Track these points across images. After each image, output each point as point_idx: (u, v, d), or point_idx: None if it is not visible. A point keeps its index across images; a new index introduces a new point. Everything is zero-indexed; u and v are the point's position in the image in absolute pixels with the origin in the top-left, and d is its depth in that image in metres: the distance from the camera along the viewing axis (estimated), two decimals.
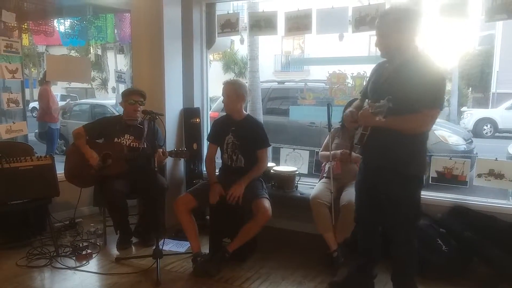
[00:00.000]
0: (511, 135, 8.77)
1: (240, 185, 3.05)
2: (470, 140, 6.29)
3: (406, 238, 2.35)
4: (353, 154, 3.03)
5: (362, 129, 2.31)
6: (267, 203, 2.99)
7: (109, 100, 10.70)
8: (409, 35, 2.20)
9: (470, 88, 19.44)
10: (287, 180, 3.65)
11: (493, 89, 15.78)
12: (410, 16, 2.20)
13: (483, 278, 2.88)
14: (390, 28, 2.20)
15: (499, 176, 3.18)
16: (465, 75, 17.94)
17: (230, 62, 18.86)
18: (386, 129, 2.17)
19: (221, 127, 3.31)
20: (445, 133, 6.02)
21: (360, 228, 2.67)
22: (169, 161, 3.81)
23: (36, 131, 7.05)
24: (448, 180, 3.38)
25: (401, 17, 2.19)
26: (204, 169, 3.95)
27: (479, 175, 3.24)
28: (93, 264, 3.20)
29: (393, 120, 2.12)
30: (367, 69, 3.65)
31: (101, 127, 3.56)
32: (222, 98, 3.34)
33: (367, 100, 2.38)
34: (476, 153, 5.89)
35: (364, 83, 3.36)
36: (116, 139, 3.46)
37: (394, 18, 2.20)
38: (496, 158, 3.27)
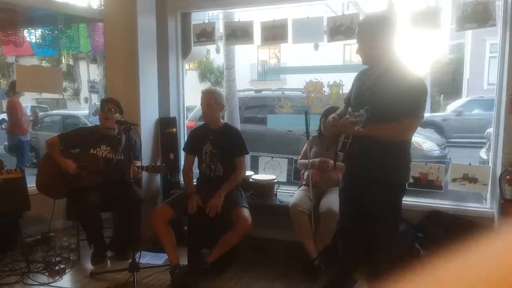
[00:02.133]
0: (482, 140, 9.02)
1: (219, 196, 3.01)
2: (443, 146, 6.43)
3: (386, 243, 2.37)
4: (331, 162, 3.04)
5: (344, 137, 2.32)
6: (246, 213, 2.96)
7: (82, 110, 10.46)
8: (387, 42, 2.25)
9: (442, 95, 19.96)
10: (266, 189, 3.63)
11: (464, 96, 16.24)
12: (387, 23, 2.27)
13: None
14: (370, 35, 2.24)
15: (473, 180, 3.26)
16: (437, 82, 18.41)
17: (206, 71, 18.81)
18: (368, 138, 2.18)
19: (198, 136, 3.28)
20: (419, 139, 6.12)
21: (343, 235, 2.67)
22: (145, 172, 3.74)
23: (5, 143, 6.83)
24: (424, 185, 3.44)
25: (379, 24, 2.25)
26: (182, 179, 3.89)
27: (454, 180, 3.31)
28: (66, 280, 3.09)
29: (373, 129, 2.14)
30: (343, 78, 3.70)
31: (77, 137, 3.48)
32: (199, 107, 3.31)
33: (350, 108, 2.39)
34: (450, 159, 6.02)
35: (341, 92, 3.39)
36: (92, 150, 3.38)
37: (373, 26, 2.25)
38: (470, 163, 3.34)
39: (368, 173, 2.30)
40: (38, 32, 4.78)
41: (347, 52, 14.76)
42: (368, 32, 2.25)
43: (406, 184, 2.38)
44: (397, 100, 2.11)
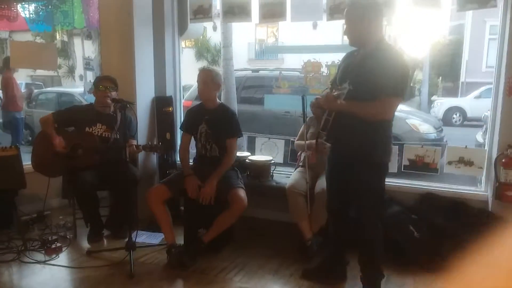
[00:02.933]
0: (479, 123, 9.02)
1: (211, 184, 2.99)
2: (440, 129, 6.43)
3: (372, 221, 2.42)
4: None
5: (326, 114, 2.34)
6: (242, 193, 2.97)
7: (77, 88, 10.33)
8: (375, 24, 2.26)
9: (440, 78, 19.88)
10: (262, 170, 3.63)
11: (462, 78, 16.18)
12: (376, 6, 2.29)
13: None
14: (358, 17, 2.25)
15: (469, 163, 3.27)
16: (436, 64, 18.31)
17: (202, 49, 18.57)
18: (349, 117, 2.21)
19: (194, 116, 3.25)
20: (416, 121, 6.12)
21: (331, 215, 2.71)
22: (141, 152, 3.72)
23: (0, 120, 6.77)
24: (420, 167, 3.45)
25: (367, 7, 2.26)
26: (178, 159, 3.88)
27: (450, 163, 3.32)
28: (63, 258, 3.11)
29: (354, 105, 2.19)
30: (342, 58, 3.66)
31: (72, 115, 3.43)
32: (195, 86, 3.27)
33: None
34: (446, 141, 6.03)
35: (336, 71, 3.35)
36: (87, 129, 3.35)
37: (361, 7, 2.26)
38: (466, 146, 3.35)
39: (349, 151, 2.35)
40: (32, 7, 4.68)
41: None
42: (356, 15, 2.26)
43: (388, 165, 2.41)
44: (381, 79, 2.15)
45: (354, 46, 2.39)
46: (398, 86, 2.18)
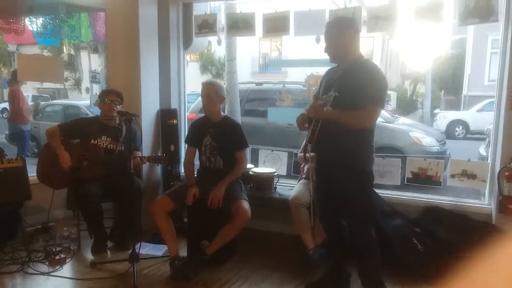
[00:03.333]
0: (482, 136, 9.01)
1: (220, 188, 3.02)
2: (443, 142, 6.44)
3: (362, 231, 2.46)
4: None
5: (313, 126, 2.43)
6: (246, 205, 2.98)
7: (83, 100, 10.43)
8: (352, 41, 2.43)
9: (443, 91, 19.92)
10: (266, 182, 3.65)
11: (464, 91, 16.20)
12: (352, 25, 2.48)
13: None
14: (334, 36, 2.43)
15: (472, 176, 3.27)
16: (438, 78, 18.38)
17: (207, 63, 18.75)
18: (335, 126, 2.32)
19: (199, 128, 3.28)
20: (419, 134, 6.14)
21: (326, 226, 2.75)
22: (146, 163, 3.75)
23: (7, 132, 6.83)
24: (423, 180, 3.45)
25: (344, 26, 2.45)
26: (182, 171, 3.91)
27: (453, 176, 3.32)
28: (67, 269, 3.11)
29: (341, 113, 2.31)
30: None
31: (77, 127, 3.47)
32: (199, 99, 3.31)
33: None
34: (449, 154, 6.02)
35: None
36: (92, 141, 3.38)
37: (337, 28, 2.44)
38: (469, 159, 3.35)
39: (334, 160, 2.43)
40: (40, 20, 4.77)
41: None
42: (333, 34, 2.43)
43: (372, 171, 2.48)
44: (363, 89, 2.27)
45: (334, 62, 2.55)
46: (379, 96, 2.33)
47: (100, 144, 3.38)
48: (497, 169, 3.10)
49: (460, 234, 3.01)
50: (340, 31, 2.41)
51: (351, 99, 2.29)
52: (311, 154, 2.81)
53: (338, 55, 2.46)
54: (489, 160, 3.30)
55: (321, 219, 2.77)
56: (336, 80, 2.44)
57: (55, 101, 12.34)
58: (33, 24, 4.77)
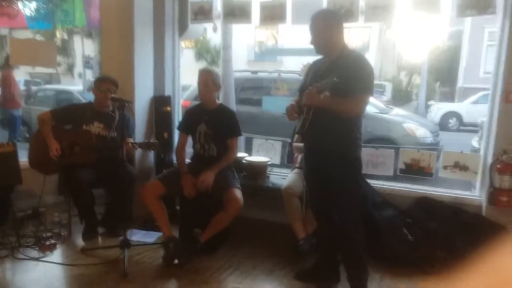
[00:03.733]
0: (475, 128, 9.06)
1: (210, 173, 3.02)
2: (436, 133, 6.46)
3: (349, 218, 2.49)
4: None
5: (304, 115, 2.44)
6: (238, 193, 2.98)
7: (76, 86, 10.31)
8: (337, 33, 2.47)
9: (438, 83, 19.97)
10: (259, 171, 3.64)
11: (459, 83, 16.25)
12: (336, 17, 2.54)
13: (447, 266, 2.97)
14: (320, 28, 2.46)
15: (464, 168, 3.29)
16: (434, 69, 18.40)
17: (202, 50, 18.61)
18: (325, 115, 2.35)
19: (193, 116, 3.26)
20: (413, 126, 6.15)
21: (316, 215, 2.77)
22: (138, 150, 3.73)
23: None
24: (415, 171, 3.47)
25: (328, 18, 2.50)
26: (175, 158, 3.88)
27: (445, 167, 3.34)
28: (57, 255, 3.10)
29: (335, 100, 2.33)
30: None
31: (70, 113, 3.44)
32: (194, 86, 3.29)
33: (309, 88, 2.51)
34: (442, 146, 6.06)
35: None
36: (85, 127, 3.35)
37: (322, 20, 2.47)
38: (462, 151, 3.37)
39: (326, 147, 2.46)
40: (33, 4, 4.68)
41: (345, 37, 14.63)
42: (318, 26, 2.47)
43: (360, 159, 2.53)
44: (351, 79, 2.32)
45: (320, 53, 2.57)
46: (368, 84, 2.39)
47: (92, 130, 3.35)
48: (489, 161, 3.12)
49: (451, 225, 3.04)
50: (325, 23, 2.46)
51: (342, 88, 2.32)
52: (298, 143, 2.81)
53: (324, 47, 2.50)
54: (482, 152, 3.32)
55: (312, 207, 2.80)
56: (323, 72, 2.45)
57: (47, 86, 12.20)
58: (25, 8, 4.68)
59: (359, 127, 2.49)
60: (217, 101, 3.27)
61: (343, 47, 2.49)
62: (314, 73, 2.56)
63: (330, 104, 2.33)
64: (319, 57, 2.63)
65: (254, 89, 6.65)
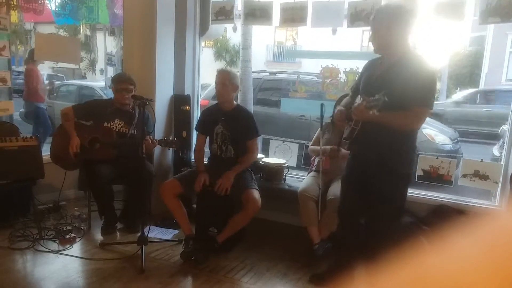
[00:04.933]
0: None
1: (229, 176, 3.04)
2: (456, 140, 6.36)
3: (388, 232, 2.40)
4: (342, 150, 3.06)
5: (353, 124, 2.34)
6: (256, 194, 2.99)
7: (98, 82, 10.47)
8: (401, 33, 2.24)
9: (459, 88, 19.63)
10: (275, 172, 3.65)
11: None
12: (404, 14, 2.25)
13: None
14: (384, 24, 2.24)
15: (484, 177, 3.23)
16: (454, 75, 18.10)
17: (221, 49, 18.68)
18: (377, 126, 2.20)
19: (210, 116, 3.29)
20: (432, 131, 6.07)
21: (343, 221, 2.71)
22: (157, 148, 3.78)
23: (22, 110, 6.91)
24: (434, 179, 3.42)
25: (395, 15, 2.24)
26: (193, 157, 3.93)
27: (464, 175, 3.29)
28: (76, 249, 3.17)
29: (387, 115, 2.15)
30: (360, 65, 3.65)
31: (91, 110, 3.51)
32: (213, 86, 3.31)
33: (359, 96, 2.38)
34: (462, 153, 5.96)
35: (356, 79, 3.38)
36: (106, 123, 3.41)
37: (388, 15, 2.25)
38: (482, 160, 3.32)
39: (377, 161, 2.33)
40: (58, 0, 4.78)
41: (365, 38, 14.50)
42: (386, 20, 2.23)
43: (412, 175, 2.43)
44: (409, 89, 2.13)
45: (379, 53, 2.38)
46: (428, 97, 2.18)
47: (113, 127, 3.41)
48: (510, 171, 3.07)
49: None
50: (390, 20, 2.21)
51: (397, 99, 2.14)
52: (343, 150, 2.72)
53: (384, 46, 2.29)
54: (503, 162, 3.27)
55: (340, 213, 2.70)
56: (379, 77, 2.30)
57: (69, 81, 12.42)
58: (51, 3, 4.78)
59: (412, 140, 2.34)
60: (234, 102, 3.29)
61: (406, 49, 2.27)
62: (368, 76, 2.40)
63: (382, 119, 2.16)
64: (377, 56, 2.41)
65: (272, 90, 6.66)
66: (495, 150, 5.70)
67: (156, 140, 3.32)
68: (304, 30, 15.15)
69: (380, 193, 2.36)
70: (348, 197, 2.61)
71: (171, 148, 3.87)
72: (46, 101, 6.81)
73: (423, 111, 2.21)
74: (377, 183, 2.36)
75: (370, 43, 2.37)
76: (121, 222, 3.57)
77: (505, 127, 3.64)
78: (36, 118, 6.27)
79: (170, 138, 3.34)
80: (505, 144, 3.33)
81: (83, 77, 18.72)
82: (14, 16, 4.84)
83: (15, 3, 4.00)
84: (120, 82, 3.47)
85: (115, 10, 4.73)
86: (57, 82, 9.60)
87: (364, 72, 2.50)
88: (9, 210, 3.50)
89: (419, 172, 3.44)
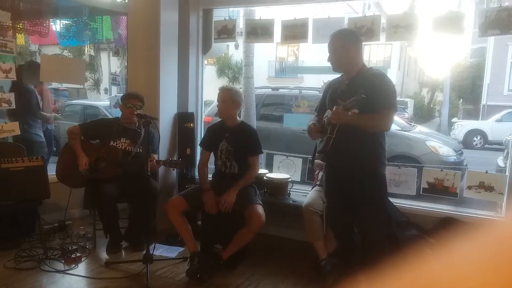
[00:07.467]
0: (500, 147, 8.87)
1: (231, 193, 3.04)
2: (460, 152, 6.35)
3: (379, 235, 2.51)
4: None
5: (328, 133, 2.45)
6: (260, 209, 3.00)
7: (102, 101, 10.57)
8: (356, 52, 2.51)
9: (461, 100, 19.66)
10: (279, 187, 3.66)
11: (483, 101, 15.96)
12: (353, 36, 2.58)
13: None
14: (338, 47, 2.50)
15: (489, 188, 3.22)
16: (456, 86, 18.15)
17: (224, 66, 18.85)
18: (353, 131, 2.35)
19: (215, 133, 3.32)
20: (436, 143, 6.07)
21: (338, 234, 2.79)
22: (162, 166, 3.80)
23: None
24: (439, 191, 3.41)
25: (349, 37, 2.54)
26: (197, 174, 3.94)
27: (469, 187, 3.27)
28: (82, 268, 3.17)
29: (364, 117, 2.33)
30: None
31: (98, 128, 3.55)
32: (216, 102, 3.35)
33: (328, 110, 2.51)
34: (466, 165, 5.94)
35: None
36: (112, 142, 3.44)
37: (344, 38, 2.52)
38: (487, 171, 3.31)
39: (353, 165, 2.46)
40: (63, 23, 4.87)
41: (365, 53, 14.63)
42: (342, 42, 2.50)
43: (385, 176, 2.56)
44: (377, 95, 2.33)
45: (337, 71, 2.60)
46: (392, 100, 2.41)
47: (118, 146, 3.44)
48: None
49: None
50: (343, 42, 2.48)
51: (369, 106, 2.31)
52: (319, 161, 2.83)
53: (342, 65, 2.53)
54: (508, 172, 3.26)
55: (333, 225, 2.80)
56: (345, 89, 2.47)
57: (74, 101, 12.53)
58: (56, 25, 4.88)
59: (383, 144, 2.50)
60: (238, 118, 3.32)
61: (361, 66, 2.52)
62: (333, 92, 2.58)
63: (359, 121, 2.33)
64: (337, 75, 2.66)
65: (274, 105, 6.71)
66: (500, 161, 5.68)
67: (160, 160, 3.34)
68: (305, 46, 15.30)
69: (363, 197, 2.47)
70: (335, 208, 2.71)
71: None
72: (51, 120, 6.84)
73: (391, 112, 2.41)
74: (357, 188, 2.47)
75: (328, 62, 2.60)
76: (126, 240, 3.57)
77: (510, 137, 3.64)
78: (47, 138, 6.29)
79: (175, 159, 3.37)
80: (509, 155, 3.32)
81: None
82: (21, 39, 4.92)
83: (21, 26, 4.09)
84: (130, 98, 3.52)
85: (119, 31, 4.82)
86: (64, 99, 9.67)
87: (327, 90, 2.68)
88: (14, 230, 3.51)
89: (423, 185, 3.43)
